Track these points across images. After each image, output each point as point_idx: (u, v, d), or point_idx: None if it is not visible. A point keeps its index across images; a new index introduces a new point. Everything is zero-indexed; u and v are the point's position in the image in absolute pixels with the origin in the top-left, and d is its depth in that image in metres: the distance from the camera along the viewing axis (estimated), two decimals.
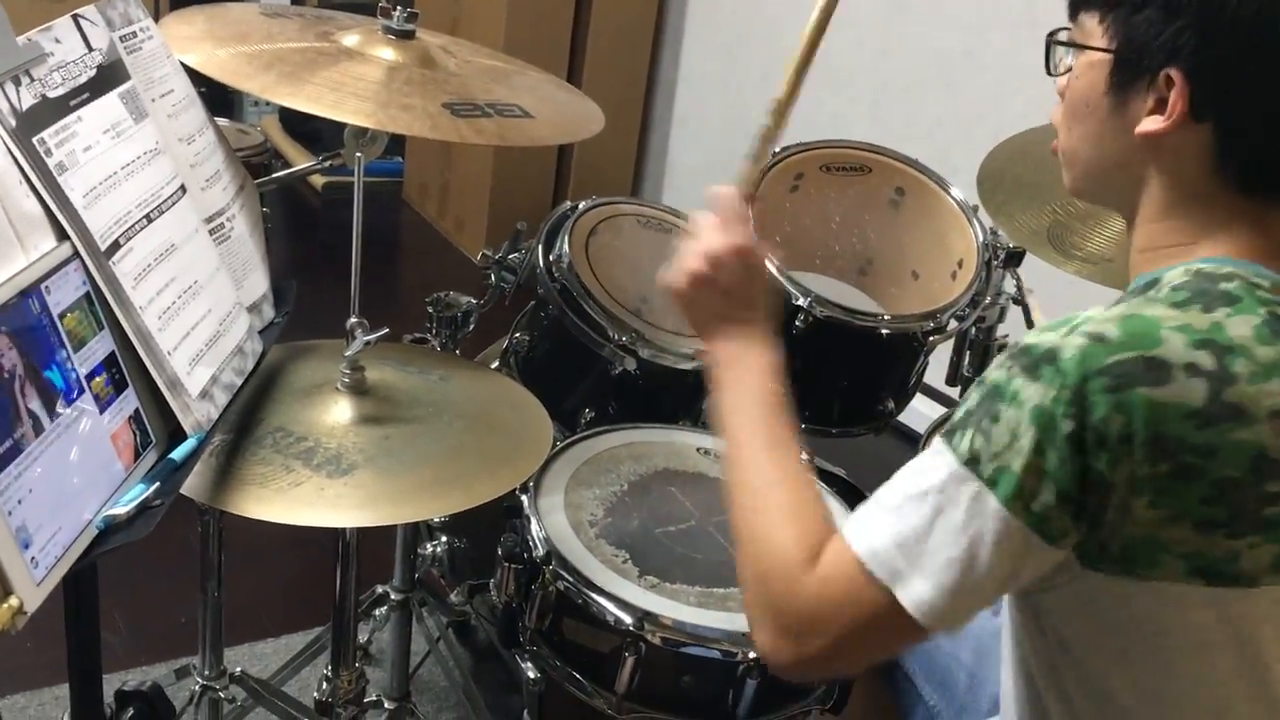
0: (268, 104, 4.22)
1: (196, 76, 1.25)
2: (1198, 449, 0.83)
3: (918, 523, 0.88)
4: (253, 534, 2.46)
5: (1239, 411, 0.83)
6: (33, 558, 0.85)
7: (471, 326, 1.70)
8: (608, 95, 3.63)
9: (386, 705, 2.00)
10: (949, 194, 1.89)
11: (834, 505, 1.50)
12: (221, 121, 1.42)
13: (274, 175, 1.50)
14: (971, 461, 0.86)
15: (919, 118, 2.95)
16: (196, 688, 1.70)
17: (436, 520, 2.02)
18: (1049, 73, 1.02)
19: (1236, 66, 0.88)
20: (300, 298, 1.36)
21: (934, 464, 0.89)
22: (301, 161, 4.05)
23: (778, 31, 3.31)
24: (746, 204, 1.15)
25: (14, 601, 0.82)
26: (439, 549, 2.04)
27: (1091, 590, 0.89)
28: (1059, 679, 0.96)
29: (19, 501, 0.84)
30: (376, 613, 2.06)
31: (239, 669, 1.75)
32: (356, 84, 1.30)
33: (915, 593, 0.88)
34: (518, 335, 1.74)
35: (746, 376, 1.09)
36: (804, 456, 1.05)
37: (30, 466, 0.86)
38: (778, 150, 1.89)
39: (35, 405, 0.87)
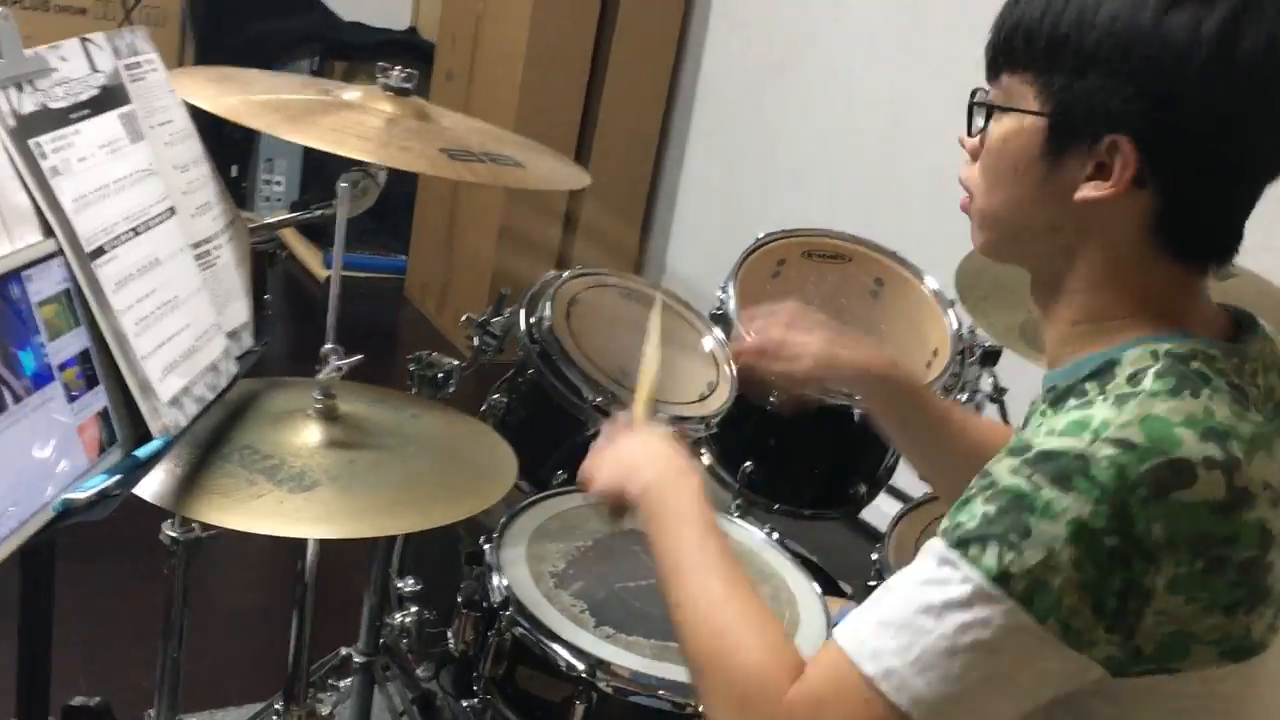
0: (279, 200, 4.34)
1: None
2: (1224, 539, 0.83)
3: (940, 642, 0.83)
4: (223, 602, 2.49)
5: (1246, 493, 0.83)
6: None
7: (452, 388, 1.73)
8: (612, 201, 3.76)
9: None
10: (924, 284, 1.94)
11: (807, 587, 1.50)
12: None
13: (266, 222, 1.55)
14: (1002, 578, 0.82)
15: (908, 229, 3.02)
16: None
17: (406, 590, 2.01)
18: (969, 134, 0.99)
19: (1187, 133, 0.86)
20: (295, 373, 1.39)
21: (951, 577, 0.84)
22: (308, 255, 4.15)
23: (776, 143, 3.41)
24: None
25: None
26: (407, 620, 2.03)
27: (1118, 691, 0.87)
28: None
29: None
30: (342, 684, 2.04)
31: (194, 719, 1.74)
32: (358, 128, 1.36)
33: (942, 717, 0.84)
34: (495, 397, 1.77)
35: (678, 506, 1.06)
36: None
37: None
38: (760, 236, 1.95)
39: (2, 382, 0.90)
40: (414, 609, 2.02)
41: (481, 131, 1.54)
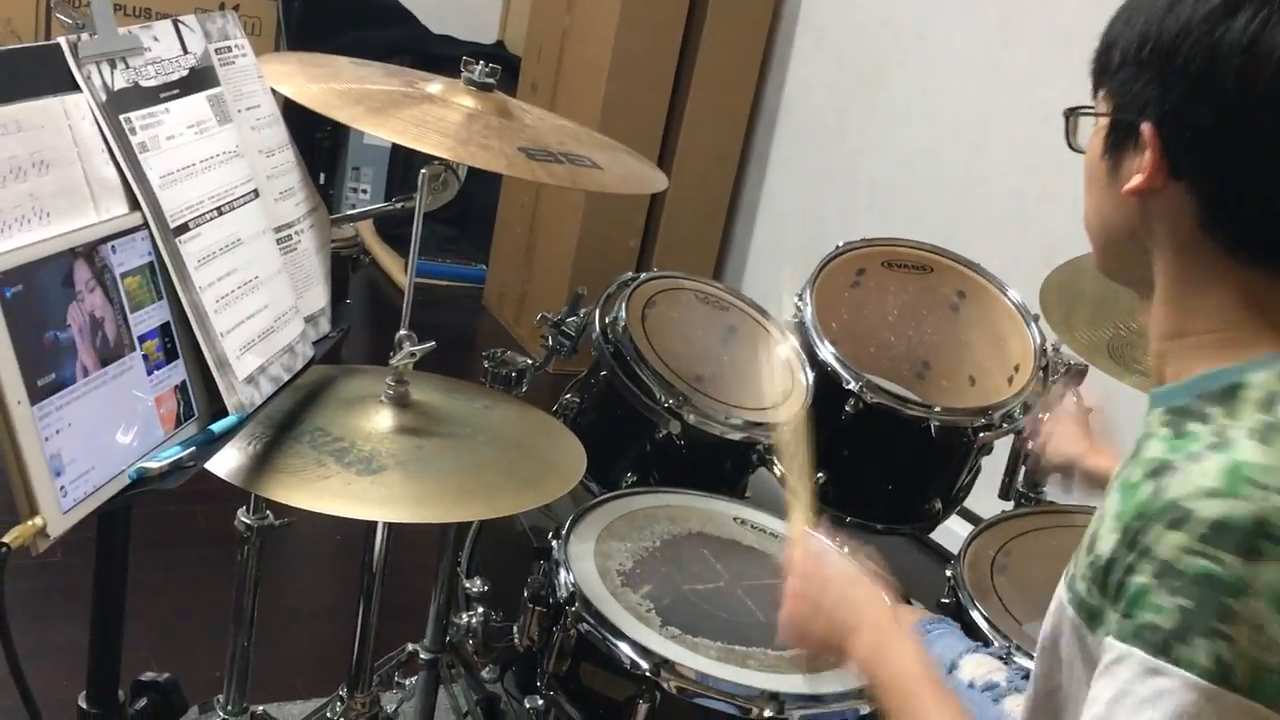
0: (365, 207, 4.40)
1: None
2: None
3: None
4: (294, 596, 2.52)
5: None
6: (62, 487, 0.88)
7: (525, 387, 1.73)
8: (692, 217, 3.75)
9: None
10: (1008, 297, 1.90)
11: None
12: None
13: (347, 213, 1.56)
14: (1222, 675, 0.77)
15: (989, 251, 2.98)
16: None
17: (474, 591, 2.02)
18: (1070, 147, 1.02)
19: (1199, 117, 0.86)
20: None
21: (1159, 689, 0.79)
22: (391, 263, 4.20)
23: (858, 163, 3.38)
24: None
25: (38, 521, 0.85)
26: (474, 620, 2.03)
27: None
28: None
29: (57, 431, 0.88)
30: (407, 682, 2.05)
31: (262, 708, 1.75)
32: (439, 122, 1.37)
33: None
34: (567, 397, 1.76)
35: (895, 664, 1.07)
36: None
37: (73, 402, 0.90)
38: (840, 244, 1.93)
39: (87, 348, 0.92)
40: (481, 610, 2.02)
41: (563, 130, 1.54)
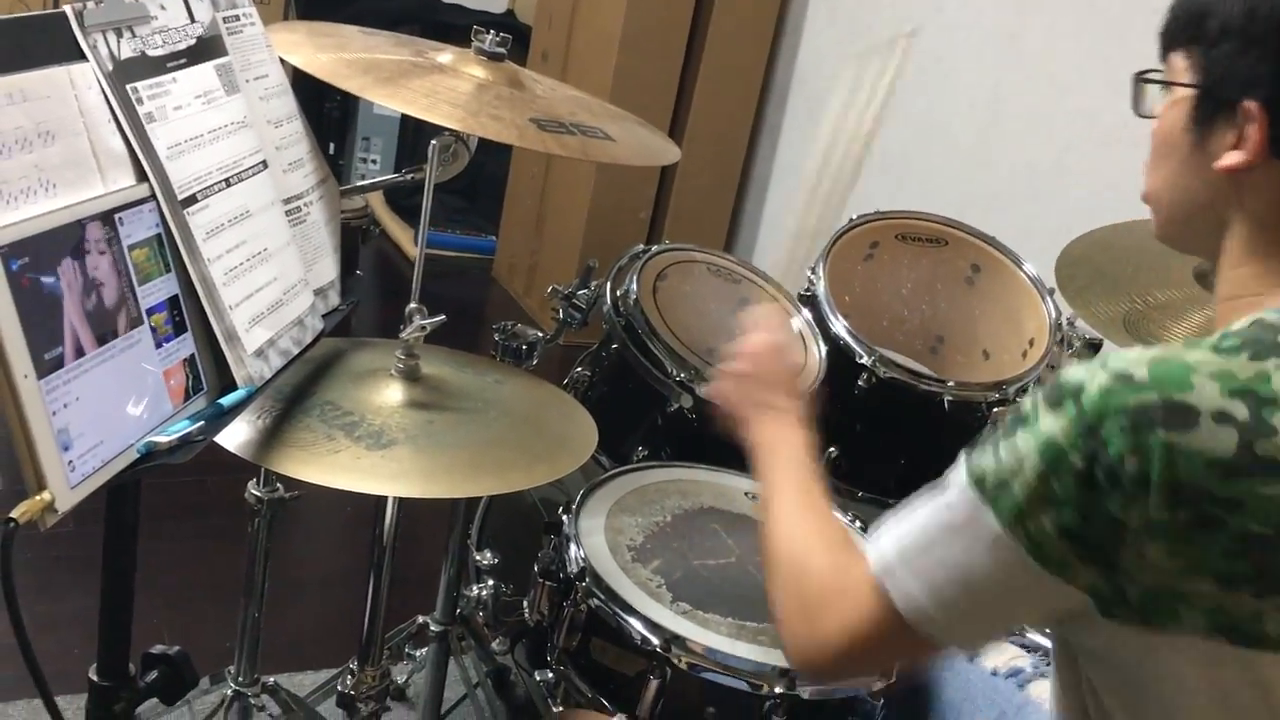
0: (375, 178, 4.39)
1: None
2: (1221, 500, 0.79)
3: (919, 528, 0.90)
4: (304, 567, 2.52)
5: (1269, 465, 0.79)
6: (70, 461, 0.87)
7: (535, 359, 1.72)
8: (703, 188, 3.73)
9: None
10: (1023, 270, 1.88)
11: None
12: None
13: (357, 184, 1.55)
14: (979, 479, 0.86)
15: (1004, 223, 2.95)
16: (229, 692, 1.71)
17: (484, 563, 2.01)
18: (1136, 113, 0.99)
19: None
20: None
21: (952, 479, 0.89)
22: (401, 234, 4.19)
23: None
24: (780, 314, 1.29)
25: (46, 496, 0.84)
26: (484, 592, 2.03)
27: (1112, 640, 0.87)
28: None
29: (64, 405, 0.87)
30: (417, 653, 2.05)
31: (273, 679, 1.75)
32: (449, 93, 1.35)
33: (904, 590, 0.89)
34: (578, 370, 1.75)
35: (784, 450, 1.15)
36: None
37: (80, 376, 0.89)
38: (853, 217, 1.91)
39: (95, 321, 0.91)
40: (491, 582, 2.02)
41: (575, 101, 1.52)
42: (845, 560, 0.98)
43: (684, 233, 3.74)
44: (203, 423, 1.00)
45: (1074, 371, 0.84)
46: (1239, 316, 0.90)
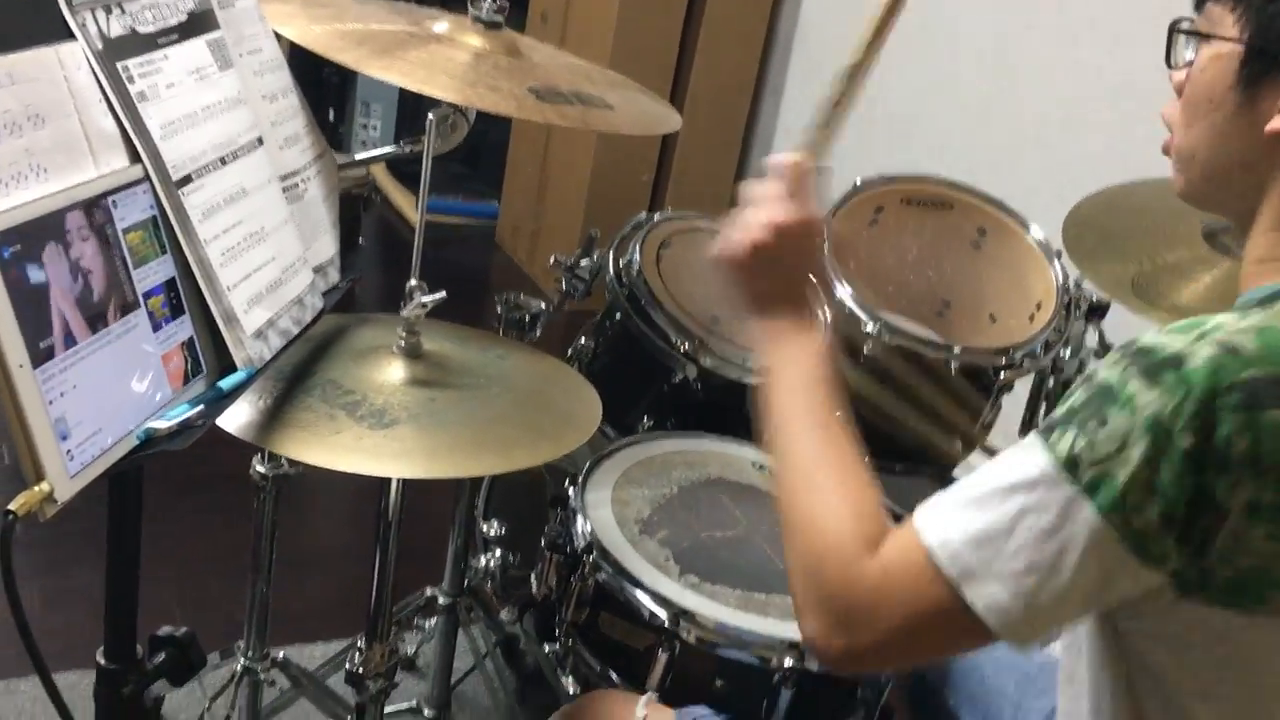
0: (375, 144, 4.35)
1: None
2: None
3: (999, 520, 0.81)
4: (312, 540, 2.53)
5: None
6: (69, 451, 0.86)
7: (539, 331, 1.71)
8: (706, 146, 3.69)
9: (426, 713, 1.99)
10: (1030, 234, 1.86)
11: None
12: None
13: (356, 158, 1.53)
14: (1070, 464, 0.79)
15: (1013, 180, 2.93)
16: (239, 668, 1.72)
17: (492, 533, 2.01)
18: (1168, 65, 0.95)
19: None
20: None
21: (1026, 460, 0.82)
22: (403, 201, 4.16)
23: (874, 91, 3.31)
24: (810, 174, 1.11)
25: (45, 487, 0.83)
26: (492, 563, 2.03)
27: (1186, 620, 0.82)
28: (1137, 706, 0.88)
29: (61, 394, 0.86)
30: (426, 624, 2.06)
31: (282, 654, 1.76)
32: (446, 64, 1.33)
33: (988, 595, 0.81)
34: (582, 341, 1.74)
35: (799, 356, 1.04)
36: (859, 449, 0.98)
37: (76, 363, 0.88)
38: (858, 182, 1.88)
39: (90, 307, 0.90)
40: (498, 552, 2.02)
41: (573, 69, 1.50)
42: (882, 540, 0.88)
43: (688, 192, 3.72)
44: (203, 406, 0.99)
45: (1166, 340, 0.78)
46: (1272, 279, 0.87)
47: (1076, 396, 0.82)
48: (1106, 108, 2.73)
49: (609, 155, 3.57)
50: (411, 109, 4.23)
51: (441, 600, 1.88)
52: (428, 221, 1.33)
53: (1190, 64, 0.92)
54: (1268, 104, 0.86)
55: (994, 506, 0.82)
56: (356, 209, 2.82)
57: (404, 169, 4.26)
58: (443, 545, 1.92)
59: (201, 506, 2.50)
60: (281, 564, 1.71)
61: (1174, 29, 0.93)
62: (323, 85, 4.16)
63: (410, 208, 4.10)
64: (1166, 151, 0.97)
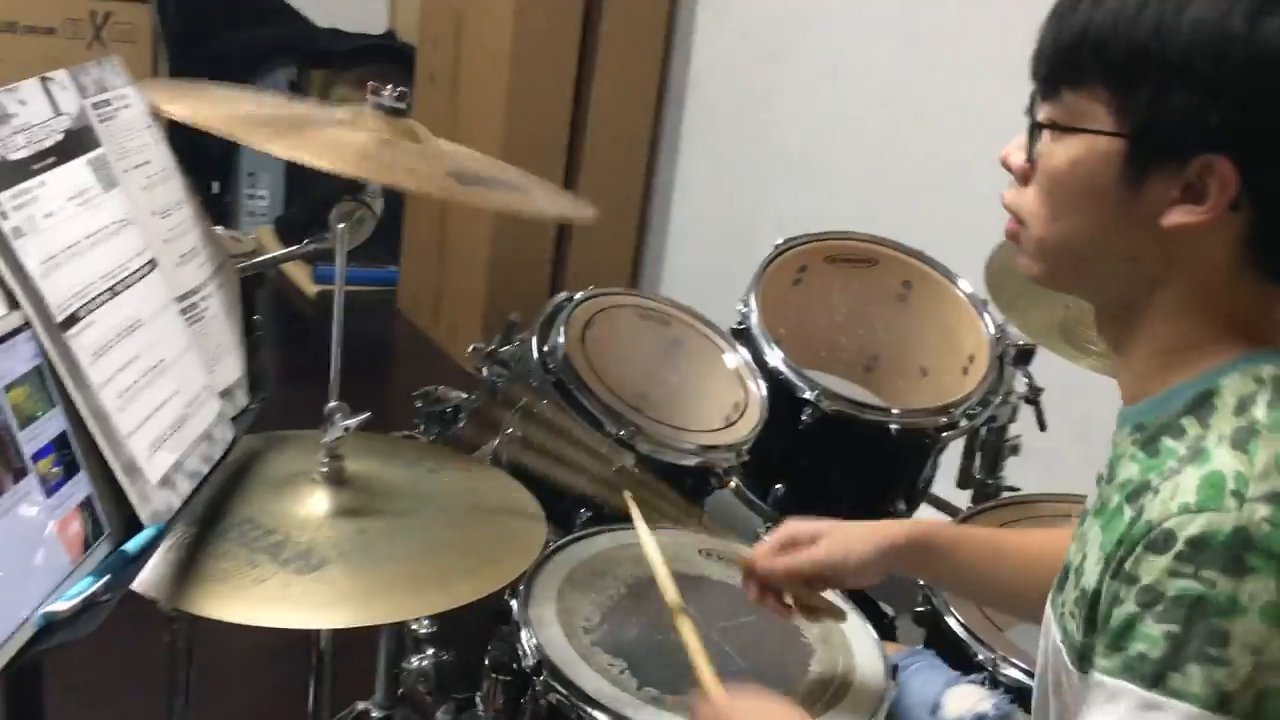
0: (263, 214, 4.21)
1: None
2: None
3: None
4: (226, 647, 2.37)
5: None
6: None
7: (462, 423, 1.62)
8: (606, 200, 3.63)
9: None
10: (957, 287, 1.83)
11: (861, 629, 1.40)
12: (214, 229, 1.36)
13: (255, 260, 1.43)
14: (1222, 702, 0.73)
15: (913, 222, 2.92)
16: None
17: (422, 631, 1.91)
18: (1026, 160, 0.88)
19: None
20: (289, 406, 1.28)
21: None
22: (297, 271, 4.02)
23: (768, 137, 3.30)
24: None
25: None
26: (425, 663, 1.92)
27: None
28: None
29: None
30: None
31: None
32: (357, 146, 1.24)
33: None
34: (510, 431, 1.65)
35: None
36: None
37: None
38: (780, 243, 1.84)
39: None
40: (430, 650, 1.91)
41: (474, 158, 1.42)
42: None
43: (591, 243, 3.65)
44: (108, 577, 0.88)
45: (1208, 521, 0.75)
46: (1190, 370, 0.84)
47: (1164, 626, 0.75)
48: (1001, 143, 2.73)
49: (509, 217, 3.49)
50: (300, 179, 4.10)
51: (375, 714, 1.77)
52: (326, 292, 1.23)
53: (1038, 153, 0.87)
54: (1154, 194, 0.82)
55: None
56: (250, 288, 2.69)
57: (291, 237, 4.12)
58: (371, 649, 1.81)
59: (108, 635, 2.33)
60: (199, 685, 1.58)
61: (1036, 125, 0.87)
62: (205, 156, 4.00)
63: (305, 277, 3.96)
64: (1014, 238, 0.92)
